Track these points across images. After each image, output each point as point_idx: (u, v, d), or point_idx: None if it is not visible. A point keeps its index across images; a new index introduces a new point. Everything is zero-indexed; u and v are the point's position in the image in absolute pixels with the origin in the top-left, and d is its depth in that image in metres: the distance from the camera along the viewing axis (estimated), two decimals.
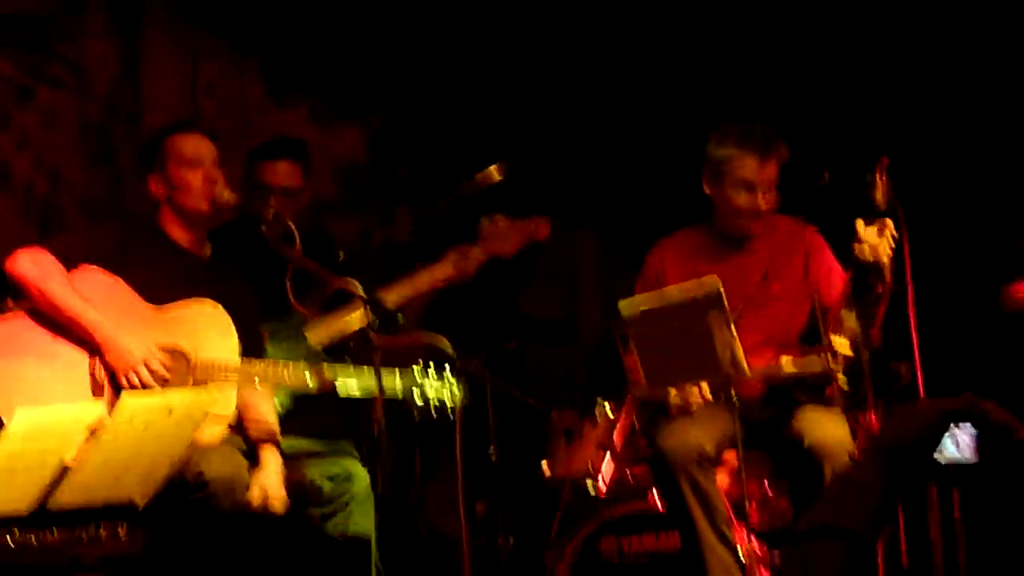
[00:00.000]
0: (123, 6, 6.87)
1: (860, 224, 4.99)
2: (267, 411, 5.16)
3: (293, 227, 5.10)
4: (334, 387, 5.05)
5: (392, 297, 5.64)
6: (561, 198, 7.30)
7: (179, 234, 5.19)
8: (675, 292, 4.95)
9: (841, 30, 7.01)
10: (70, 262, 4.94)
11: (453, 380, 5.18)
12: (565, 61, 7.49)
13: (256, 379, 5.03)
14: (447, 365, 5.17)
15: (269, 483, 4.98)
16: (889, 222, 4.98)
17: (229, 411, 4.88)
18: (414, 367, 5.17)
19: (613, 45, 7.46)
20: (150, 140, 5.34)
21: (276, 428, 5.13)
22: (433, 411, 5.17)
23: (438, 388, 5.17)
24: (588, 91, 7.50)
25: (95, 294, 4.91)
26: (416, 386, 5.15)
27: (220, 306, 5.03)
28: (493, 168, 6.02)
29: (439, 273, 5.98)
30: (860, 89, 6.96)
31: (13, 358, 4.79)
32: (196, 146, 5.21)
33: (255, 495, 4.93)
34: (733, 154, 5.41)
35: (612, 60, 7.46)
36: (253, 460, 4.98)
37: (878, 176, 4.99)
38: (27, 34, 6.61)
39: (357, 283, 4.83)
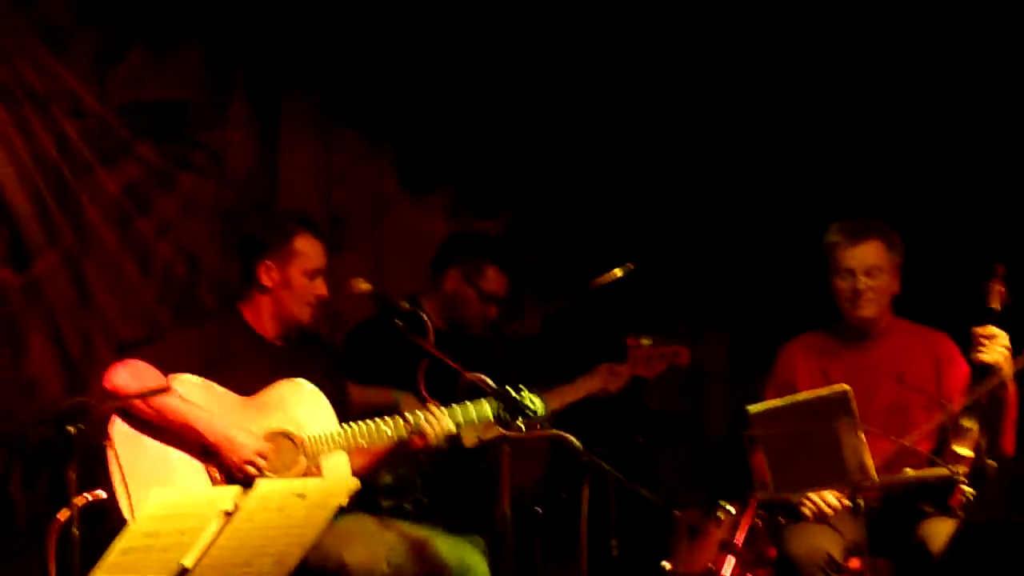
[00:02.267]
0: (263, 95, 6.99)
1: (977, 330, 5.03)
2: None
3: (427, 321, 5.14)
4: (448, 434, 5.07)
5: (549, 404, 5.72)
6: (691, 298, 7.34)
7: (265, 325, 5.22)
8: (804, 396, 4.95)
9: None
10: (163, 369, 4.95)
11: (533, 396, 5.14)
12: (697, 166, 7.53)
13: (361, 440, 5.06)
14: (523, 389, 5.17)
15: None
16: (1004, 333, 5.03)
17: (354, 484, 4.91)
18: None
19: (743, 151, 7.49)
20: (275, 224, 5.35)
21: None
22: (521, 422, 5.10)
23: (521, 404, 5.11)
24: (719, 195, 7.53)
25: (192, 396, 4.95)
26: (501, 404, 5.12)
27: (305, 380, 5.08)
28: (618, 269, 6.12)
29: (586, 387, 6.12)
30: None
31: (135, 478, 4.83)
32: (322, 256, 5.25)
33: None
34: (832, 242, 5.51)
35: (742, 166, 7.49)
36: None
37: (994, 283, 5.03)
38: (170, 122, 6.74)
39: (486, 377, 4.88)
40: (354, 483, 4.85)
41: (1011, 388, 5.12)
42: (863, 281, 5.47)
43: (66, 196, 6.46)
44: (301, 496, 4.22)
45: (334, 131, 7.20)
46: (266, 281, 5.19)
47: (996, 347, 5.04)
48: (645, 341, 6.23)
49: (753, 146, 7.46)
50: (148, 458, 4.88)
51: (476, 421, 5.14)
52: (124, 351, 5.14)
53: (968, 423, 5.02)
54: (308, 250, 5.21)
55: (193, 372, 5.00)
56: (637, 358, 6.25)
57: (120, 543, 4.21)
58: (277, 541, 4.11)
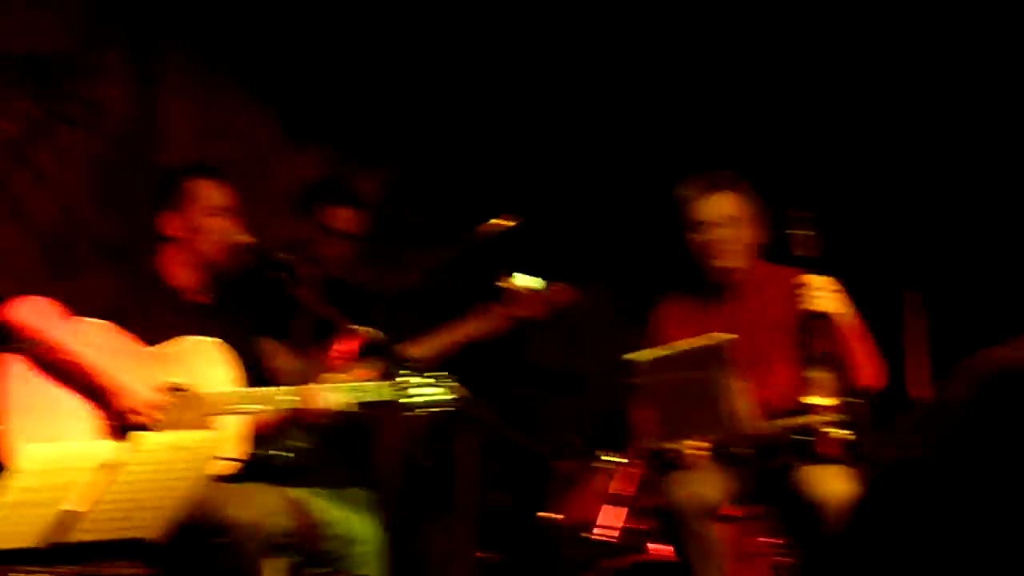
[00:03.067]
0: (142, 47, 6.91)
1: (804, 278, 5.11)
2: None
3: (310, 271, 5.13)
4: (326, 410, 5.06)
5: (422, 349, 5.71)
6: (572, 251, 7.38)
7: (182, 277, 5.20)
8: (683, 345, 5.00)
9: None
10: (67, 309, 4.89)
11: (444, 385, 5.16)
12: (581, 114, 7.55)
13: (257, 405, 5.03)
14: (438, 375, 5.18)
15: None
16: (823, 278, 5.10)
17: (242, 453, 4.90)
18: (405, 375, 5.16)
19: (628, 100, 7.53)
20: (170, 177, 5.34)
21: None
22: (426, 411, 5.13)
23: (426, 389, 5.15)
24: (604, 141, 7.56)
25: (93, 340, 4.87)
26: (405, 388, 5.15)
27: (211, 340, 5.04)
28: (500, 219, 6.12)
29: (465, 331, 6.06)
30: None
31: (21, 414, 4.72)
32: (221, 193, 5.23)
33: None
34: (686, 196, 5.55)
35: (626, 114, 7.53)
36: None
37: (798, 230, 5.08)
38: (47, 74, 6.66)
39: (374, 331, 4.86)
40: (235, 437, 4.89)
41: (844, 322, 5.17)
42: (717, 232, 5.51)
43: None
44: (179, 449, 4.20)
45: (214, 83, 7.14)
46: (170, 232, 5.19)
47: (817, 295, 5.10)
48: (521, 282, 6.18)
49: (633, 93, 7.50)
50: (37, 395, 4.78)
51: (373, 401, 5.10)
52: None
53: (811, 372, 5.07)
54: (204, 191, 5.21)
55: (97, 316, 4.96)
56: (515, 298, 6.22)
57: None
58: (155, 495, 4.08)
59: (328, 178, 6.54)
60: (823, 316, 5.11)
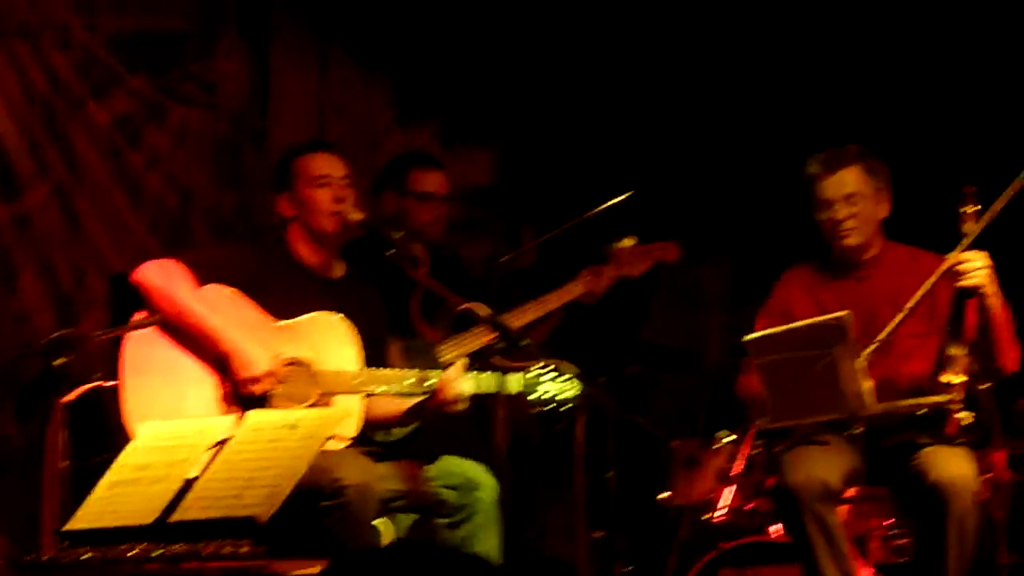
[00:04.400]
0: (254, 26, 6.94)
1: (953, 255, 4.97)
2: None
3: (421, 250, 5.13)
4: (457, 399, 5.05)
5: (521, 318, 5.67)
6: (689, 226, 7.29)
7: (307, 254, 5.20)
8: (802, 323, 4.90)
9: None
10: (198, 276, 4.96)
11: (572, 380, 5.15)
12: (701, 88, 7.48)
13: (379, 388, 5.03)
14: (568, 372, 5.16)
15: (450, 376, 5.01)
16: (980, 253, 4.95)
17: (352, 432, 4.89)
18: (532, 366, 5.16)
19: (747, 71, 7.44)
20: (281, 160, 5.35)
21: None
22: (548, 408, 5.15)
23: (556, 385, 5.16)
24: (724, 118, 7.48)
25: (220, 307, 4.93)
26: (533, 382, 5.14)
27: (341, 316, 5.04)
28: (616, 198, 6.07)
29: (569, 292, 6.01)
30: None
31: (143, 375, 4.81)
32: (326, 164, 5.22)
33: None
34: (811, 174, 5.42)
35: (747, 86, 7.45)
36: None
37: (966, 205, 4.96)
38: (160, 53, 6.69)
39: (484, 306, 4.83)
40: (351, 418, 4.87)
41: (996, 303, 5.05)
42: (843, 210, 5.39)
43: (56, 129, 6.42)
44: (292, 427, 4.18)
45: (327, 61, 7.16)
46: (287, 212, 5.20)
47: (973, 270, 4.97)
48: (627, 242, 6.14)
49: (753, 70, 7.41)
50: (158, 358, 4.85)
51: (499, 392, 5.07)
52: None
53: (954, 350, 4.96)
54: (307, 164, 5.21)
55: (226, 284, 4.98)
56: (619, 257, 6.14)
57: (109, 476, 4.20)
58: (268, 472, 4.06)
59: (405, 151, 6.51)
60: (974, 293, 4.98)
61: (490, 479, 5.27)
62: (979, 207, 4.94)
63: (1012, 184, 4.88)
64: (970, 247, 4.95)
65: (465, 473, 5.29)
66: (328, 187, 5.18)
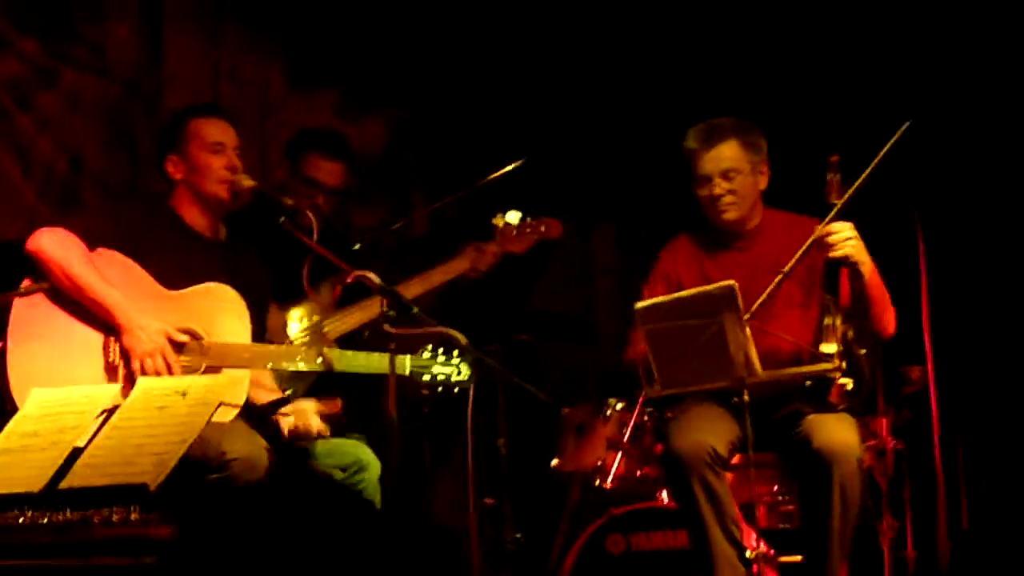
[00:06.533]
0: None
1: (820, 227, 5.05)
2: (273, 386, 5.22)
3: (312, 217, 5.13)
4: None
5: (409, 290, 5.70)
6: (578, 195, 7.34)
7: (194, 217, 5.20)
8: (691, 292, 4.95)
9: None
10: (89, 243, 4.93)
11: (461, 361, 5.22)
12: (583, 58, 7.51)
13: (268, 363, 5.05)
14: (456, 350, 5.21)
15: (304, 408, 5.06)
16: (847, 224, 5.04)
17: (240, 400, 4.89)
18: (422, 350, 5.21)
19: (628, 43, 7.48)
20: (172, 120, 5.34)
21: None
22: (439, 390, 5.21)
23: (446, 368, 5.22)
24: (606, 88, 7.52)
25: (113, 276, 4.91)
26: (423, 365, 5.20)
27: (234, 290, 5.05)
28: (509, 166, 6.10)
29: (454, 268, 6.05)
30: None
31: (31, 341, 4.79)
32: (220, 131, 5.22)
33: (290, 422, 5.02)
34: (689, 148, 5.49)
35: (629, 58, 7.49)
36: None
37: (831, 174, 5.03)
38: (52, 16, 6.61)
39: (374, 275, 4.84)
40: (239, 385, 4.88)
41: (867, 271, 5.13)
42: (720, 185, 5.45)
43: None
44: (182, 394, 4.19)
45: (221, 26, 7.10)
46: (175, 174, 5.20)
47: (843, 241, 5.05)
48: (511, 218, 6.18)
49: (637, 38, 7.45)
50: (46, 326, 4.84)
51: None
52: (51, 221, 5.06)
53: (829, 320, 5.03)
54: (202, 128, 5.22)
55: (116, 249, 4.96)
56: (504, 234, 6.17)
57: None
58: (158, 439, 4.06)
59: (319, 128, 6.48)
60: (845, 263, 5.06)
61: (375, 458, 5.38)
62: (841, 176, 5.03)
63: (877, 155, 4.96)
64: (838, 217, 5.04)
65: (352, 453, 5.36)
66: (222, 154, 5.18)
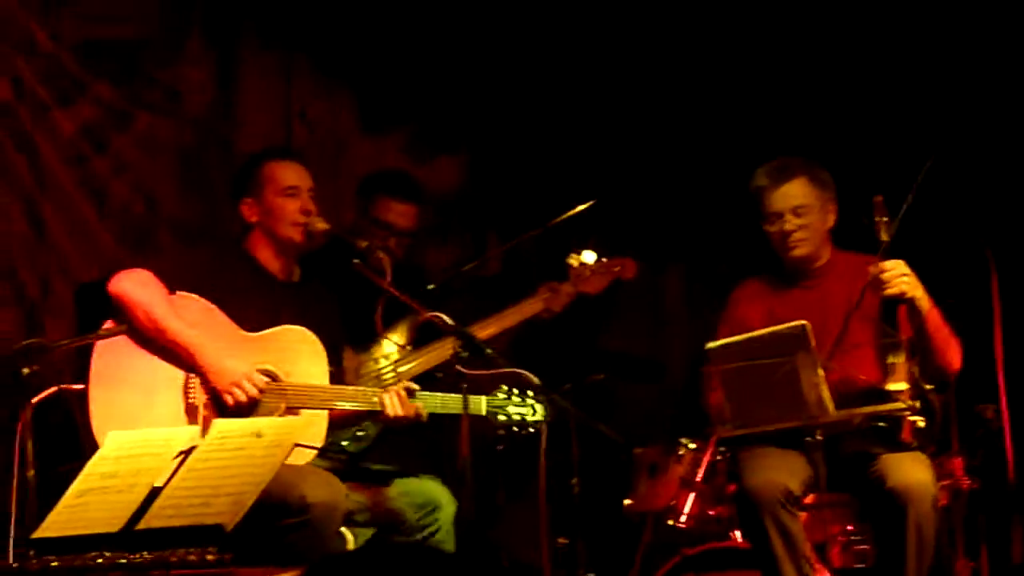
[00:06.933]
0: (220, 32, 6.94)
1: (873, 269, 5.06)
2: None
3: (385, 259, 5.16)
4: (418, 415, 5.10)
5: (484, 331, 5.70)
6: (649, 235, 7.34)
7: (268, 259, 5.24)
8: (762, 332, 4.95)
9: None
10: (168, 286, 4.98)
11: (535, 401, 5.22)
12: (658, 102, 7.52)
13: (345, 404, 5.07)
14: (529, 390, 5.22)
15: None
16: (899, 262, 5.04)
17: (319, 441, 4.92)
18: (497, 391, 5.22)
19: (703, 89, 7.48)
20: (246, 164, 5.39)
21: None
22: (514, 430, 5.22)
23: (521, 408, 5.22)
24: (680, 131, 7.52)
25: (193, 319, 4.95)
26: (499, 405, 5.21)
27: (311, 332, 5.07)
28: (581, 206, 6.10)
29: (528, 309, 6.04)
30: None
31: (112, 383, 4.84)
32: (294, 174, 5.27)
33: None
34: (758, 187, 5.51)
35: (701, 103, 7.49)
36: None
37: (876, 217, 5.03)
38: (126, 60, 6.68)
39: (447, 316, 4.86)
40: (317, 427, 4.91)
41: (924, 306, 5.12)
42: (791, 222, 5.46)
43: (22, 137, 6.37)
44: (258, 435, 4.21)
45: (293, 68, 7.16)
46: (251, 217, 5.24)
47: (896, 278, 5.04)
48: (586, 258, 6.17)
49: (709, 83, 7.45)
50: (127, 368, 4.89)
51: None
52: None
53: (892, 359, 5.02)
54: (276, 172, 5.27)
55: (194, 292, 5.01)
56: (579, 274, 6.16)
57: (77, 484, 4.22)
58: (233, 480, 4.09)
59: (390, 170, 6.52)
60: (901, 299, 5.06)
61: (450, 498, 5.37)
62: (888, 216, 5.04)
63: (911, 190, 4.98)
64: (888, 255, 5.04)
65: (427, 493, 5.36)
66: (296, 198, 5.23)
